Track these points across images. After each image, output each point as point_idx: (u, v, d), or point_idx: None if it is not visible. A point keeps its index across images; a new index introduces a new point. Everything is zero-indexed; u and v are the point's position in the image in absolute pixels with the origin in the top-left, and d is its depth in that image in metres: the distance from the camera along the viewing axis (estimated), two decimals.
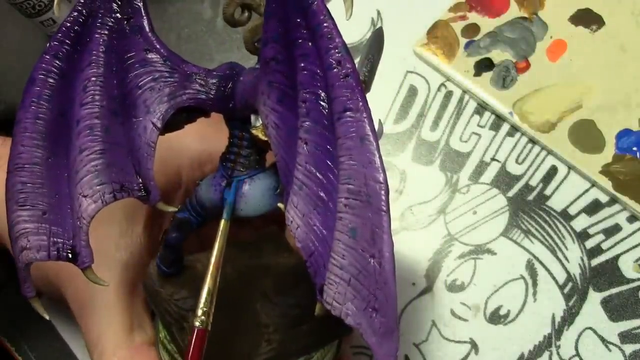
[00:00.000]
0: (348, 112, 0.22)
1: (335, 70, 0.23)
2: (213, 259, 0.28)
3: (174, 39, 0.54)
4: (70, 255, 0.28)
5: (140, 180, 0.27)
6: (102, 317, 0.35)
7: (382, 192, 0.22)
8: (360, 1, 0.54)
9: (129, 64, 0.28)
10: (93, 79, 0.27)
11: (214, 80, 0.27)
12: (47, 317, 0.30)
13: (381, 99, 0.50)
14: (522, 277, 0.44)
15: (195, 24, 0.53)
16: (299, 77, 0.24)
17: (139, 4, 0.27)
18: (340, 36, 0.23)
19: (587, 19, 0.49)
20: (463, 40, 0.50)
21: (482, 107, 0.49)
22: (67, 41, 0.28)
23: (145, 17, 0.27)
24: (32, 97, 0.28)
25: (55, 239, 0.28)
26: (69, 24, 0.28)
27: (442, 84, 0.50)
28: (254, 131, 0.27)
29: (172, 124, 0.28)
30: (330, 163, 0.24)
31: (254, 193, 0.28)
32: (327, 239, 0.24)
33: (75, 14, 0.28)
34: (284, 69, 0.24)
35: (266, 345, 0.32)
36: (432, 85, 0.50)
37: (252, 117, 0.27)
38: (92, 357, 0.35)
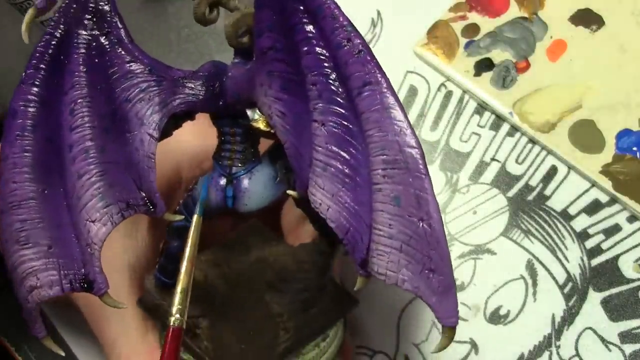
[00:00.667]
0: (368, 86, 0.23)
1: (346, 48, 0.23)
2: (187, 255, 0.28)
3: (174, 39, 0.53)
4: (84, 285, 0.27)
5: (144, 194, 0.27)
6: (116, 321, 0.35)
7: (419, 156, 0.23)
8: (360, 1, 0.54)
9: (114, 79, 0.27)
10: (79, 100, 0.27)
11: (201, 82, 0.27)
12: (63, 354, 0.29)
13: None
14: (522, 277, 0.44)
15: (195, 24, 0.53)
16: (304, 62, 0.24)
17: (114, 17, 0.27)
18: (343, 14, 0.23)
19: (587, 19, 0.49)
20: (463, 40, 0.50)
21: (482, 107, 0.49)
22: (43, 66, 0.27)
23: (122, 29, 0.27)
24: (16, 131, 0.26)
25: (65, 272, 0.27)
26: (42, 49, 0.27)
27: (442, 84, 0.50)
28: (254, 124, 0.27)
29: (163, 132, 0.28)
30: (351, 139, 0.24)
31: (256, 186, 0.28)
32: (361, 213, 0.24)
33: (48, 37, 0.27)
34: (284, 56, 0.24)
35: (284, 334, 0.32)
36: (432, 85, 0.50)
37: (249, 112, 0.28)
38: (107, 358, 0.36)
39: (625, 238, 0.44)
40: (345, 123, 0.24)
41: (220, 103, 0.27)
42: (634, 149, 0.45)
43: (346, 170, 0.24)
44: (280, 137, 0.26)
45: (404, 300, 0.44)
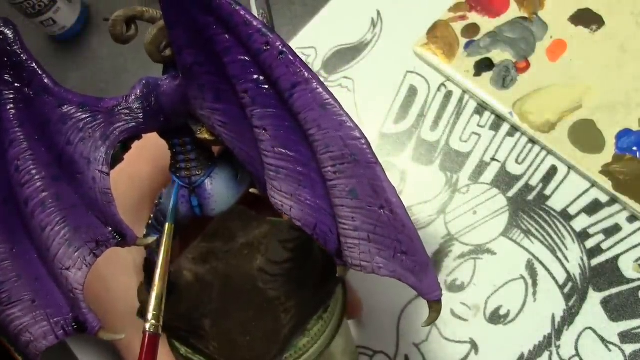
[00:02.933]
0: (297, 87, 0.23)
1: (266, 52, 0.23)
2: (160, 262, 0.28)
3: None
4: (77, 327, 0.27)
5: (111, 228, 0.27)
6: (130, 323, 0.35)
7: (365, 146, 0.22)
8: (360, 1, 0.54)
9: (49, 127, 0.27)
10: (21, 156, 0.26)
11: (136, 105, 0.27)
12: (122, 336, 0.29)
13: (381, 99, 0.50)
14: (522, 277, 0.44)
15: None
16: (229, 71, 0.24)
17: (32, 64, 0.26)
18: (256, 18, 0.23)
19: (587, 19, 0.49)
20: (463, 40, 0.50)
21: (482, 107, 0.49)
22: None
23: (43, 75, 0.26)
24: None
25: (55, 319, 0.27)
26: None
27: (442, 84, 0.50)
28: (199, 135, 0.27)
29: (112, 159, 0.27)
30: (294, 137, 0.24)
31: (218, 189, 0.28)
32: (323, 206, 0.24)
33: None
34: (209, 68, 0.24)
35: (285, 316, 0.32)
36: (432, 85, 0.50)
37: (190, 123, 0.27)
38: (119, 356, 0.36)
39: (625, 238, 0.44)
40: (286, 124, 0.24)
41: (161, 119, 0.27)
42: (634, 149, 0.45)
43: (298, 169, 0.24)
44: (228, 145, 0.26)
45: (404, 300, 0.44)
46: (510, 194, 0.46)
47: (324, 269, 0.33)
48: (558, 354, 0.42)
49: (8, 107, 0.26)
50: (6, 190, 0.27)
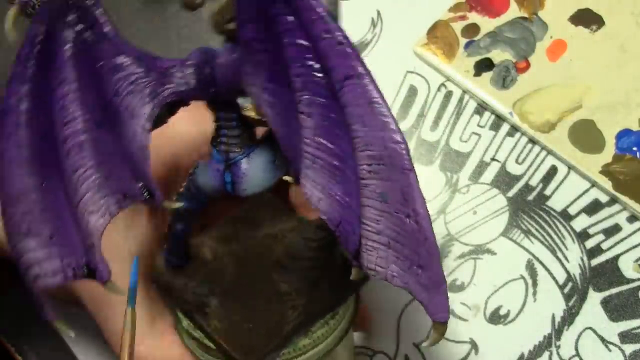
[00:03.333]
0: (349, 80, 0.22)
1: (326, 40, 0.22)
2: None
3: (174, 39, 0.53)
4: (87, 273, 0.27)
5: (141, 185, 0.27)
6: (122, 310, 0.35)
7: (404, 152, 0.22)
8: (360, 1, 0.54)
9: (102, 73, 0.27)
10: (69, 95, 0.26)
11: (190, 70, 0.27)
12: (73, 335, 0.29)
13: None
14: (522, 277, 0.44)
15: (195, 23, 0.53)
16: (286, 53, 0.23)
17: (98, 10, 0.26)
18: (322, 5, 0.22)
19: (587, 19, 0.49)
20: (463, 40, 0.50)
21: (482, 107, 0.49)
22: (32, 63, 0.27)
23: (107, 22, 0.26)
24: (9, 127, 0.27)
25: (68, 260, 0.27)
26: (29, 46, 0.27)
27: (442, 84, 0.50)
28: (246, 112, 0.27)
29: (156, 121, 0.27)
30: (338, 131, 0.23)
31: (254, 170, 0.28)
32: (351, 205, 0.24)
33: (33, 33, 0.26)
34: (267, 46, 0.24)
35: (292, 313, 0.32)
36: (432, 85, 0.50)
37: (240, 100, 0.27)
38: (114, 352, 0.35)
39: (625, 238, 0.44)
40: (332, 115, 0.23)
41: (212, 91, 0.27)
42: (634, 149, 0.45)
43: (334, 163, 0.24)
44: (271, 126, 0.26)
45: (404, 300, 0.44)
46: (510, 194, 0.46)
47: (340, 276, 0.33)
48: (558, 354, 0.42)
49: (65, 48, 0.26)
50: (47, 126, 0.27)
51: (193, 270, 0.33)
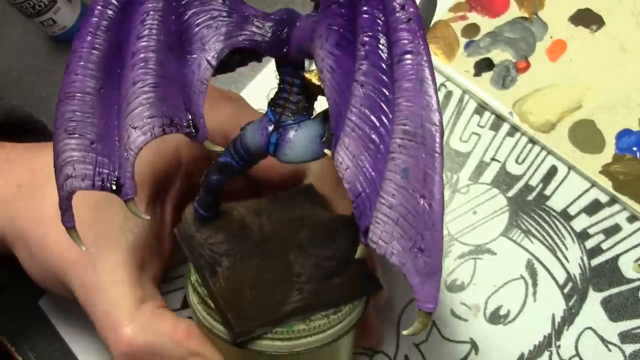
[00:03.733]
0: (408, 55, 0.23)
1: (398, 14, 0.23)
2: None
3: None
4: (114, 187, 0.28)
5: (190, 116, 0.28)
6: (111, 294, 0.35)
7: (438, 134, 0.23)
8: None
9: (188, 1, 0.28)
10: (152, 12, 0.27)
11: (270, 24, 0.28)
12: (84, 248, 0.30)
13: None
14: (522, 277, 0.44)
15: None
16: (360, 21, 0.24)
17: None
18: None
19: (587, 19, 0.49)
20: (463, 40, 0.50)
21: (482, 107, 0.49)
22: None
23: None
24: (89, 28, 0.27)
25: (100, 169, 0.28)
26: None
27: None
28: (307, 75, 0.27)
29: (224, 65, 0.28)
30: (385, 107, 0.24)
31: (300, 139, 0.28)
32: (376, 181, 0.24)
33: None
34: (345, 12, 0.25)
35: (297, 294, 0.32)
36: None
37: (306, 62, 0.28)
38: (102, 336, 0.35)
39: (625, 238, 0.44)
40: (383, 90, 0.24)
41: (284, 50, 0.28)
42: (634, 149, 0.45)
43: (372, 136, 0.24)
44: (326, 93, 0.26)
45: (404, 300, 0.44)
46: (510, 194, 0.46)
47: (354, 276, 0.34)
48: (558, 354, 0.42)
49: None
50: (123, 37, 0.28)
51: (216, 229, 0.34)
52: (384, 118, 0.24)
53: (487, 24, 0.50)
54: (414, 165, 0.23)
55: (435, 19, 0.51)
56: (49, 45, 0.59)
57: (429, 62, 0.23)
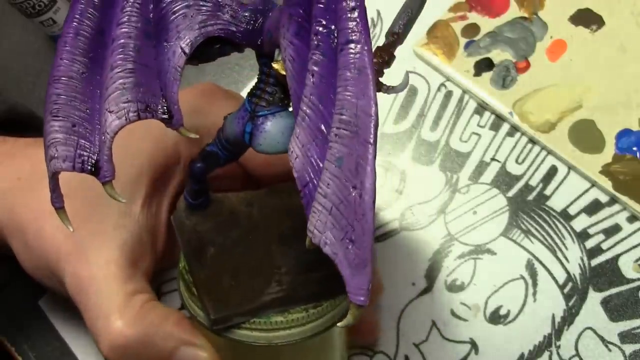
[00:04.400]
0: (350, 45, 0.23)
1: (344, 3, 0.23)
2: None
3: None
4: (92, 169, 0.29)
5: (165, 102, 0.28)
6: (102, 288, 0.35)
7: (372, 124, 0.23)
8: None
9: None
10: (131, 0, 0.28)
11: (245, 14, 0.28)
12: (72, 229, 0.30)
13: (381, 99, 0.50)
14: (522, 277, 0.44)
15: None
16: (314, 10, 0.24)
17: None
18: None
19: (587, 19, 0.49)
20: (463, 40, 0.50)
21: (482, 107, 0.49)
22: None
23: None
24: (76, 13, 0.28)
25: (81, 152, 0.29)
26: None
27: (442, 84, 0.50)
28: (275, 65, 0.28)
29: (205, 54, 0.29)
30: (332, 95, 0.24)
31: (273, 129, 0.29)
32: (322, 170, 0.24)
33: None
34: (303, 2, 0.25)
35: (276, 286, 0.32)
36: (432, 85, 0.50)
37: (276, 52, 0.28)
38: (92, 329, 0.35)
39: (625, 238, 0.44)
40: (331, 79, 0.24)
41: (258, 42, 0.28)
42: (634, 149, 0.45)
43: (320, 125, 0.24)
44: (288, 82, 0.26)
45: (404, 300, 0.44)
46: (510, 194, 0.46)
47: (336, 273, 0.33)
48: (558, 354, 0.42)
49: None
50: (106, 25, 0.28)
51: (205, 217, 0.34)
52: (330, 107, 0.24)
53: (487, 24, 0.50)
54: (347, 154, 0.23)
55: (435, 19, 0.51)
56: (49, 45, 0.59)
57: (369, 51, 0.23)
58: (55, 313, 0.46)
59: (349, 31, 0.23)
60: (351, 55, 0.23)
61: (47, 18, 0.55)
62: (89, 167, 0.29)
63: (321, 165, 0.24)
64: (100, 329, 0.34)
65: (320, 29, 0.24)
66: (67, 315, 0.46)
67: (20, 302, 0.47)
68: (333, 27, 0.24)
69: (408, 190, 0.47)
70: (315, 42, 0.24)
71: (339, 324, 0.25)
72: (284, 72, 0.27)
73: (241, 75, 0.52)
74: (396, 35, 0.25)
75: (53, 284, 0.37)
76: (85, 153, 0.29)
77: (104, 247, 0.35)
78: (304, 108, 0.25)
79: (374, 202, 0.23)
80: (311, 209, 0.24)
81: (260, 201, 0.36)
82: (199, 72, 0.51)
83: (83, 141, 0.29)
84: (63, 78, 0.28)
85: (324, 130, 0.24)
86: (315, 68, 0.24)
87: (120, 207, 0.36)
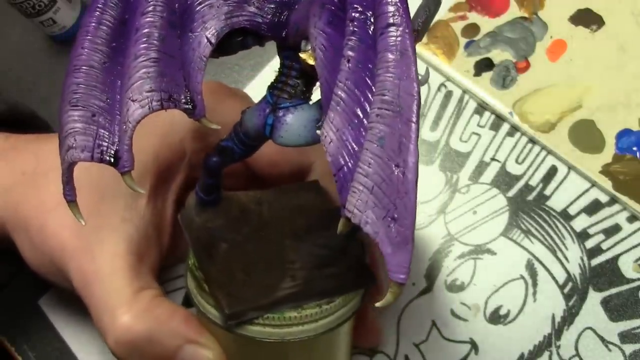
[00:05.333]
0: (391, 27, 0.23)
1: None
2: None
3: None
4: (112, 160, 0.28)
5: (188, 92, 0.28)
6: (109, 282, 0.35)
7: (414, 104, 0.23)
8: None
9: None
10: None
11: (271, 6, 0.28)
12: (83, 223, 0.30)
13: None
14: (522, 277, 0.44)
15: None
16: None
17: None
18: None
19: (587, 19, 0.49)
20: (463, 40, 0.50)
21: (482, 107, 0.49)
22: None
23: None
24: (99, 3, 0.28)
25: (100, 142, 0.28)
26: None
27: (442, 84, 0.50)
28: (302, 55, 0.28)
29: (227, 47, 0.29)
30: (369, 81, 0.24)
31: (295, 122, 0.29)
32: (357, 154, 0.24)
33: None
34: None
35: (290, 281, 0.32)
36: (432, 85, 0.50)
37: (303, 43, 0.28)
38: (99, 324, 0.35)
39: (625, 238, 0.44)
40: (368, 64, 0.24)
41: (283, 34, 0.28)
42: (634, 149, 0.45)
43: (356, 110, 0.25)
44: (318, 72, 0.26)
45: (404, 300, 0.44)
46: (510, 194, 0.46)
47: (349, 268, 0.34)
48: (558, 354, 0.42)
49: None
50: (129, 15, 0.29)
51: (216, 213, 0.34)
52: (367, 92, 0.24)
53: (487, 24, 0.50)
54: (389, 133, 0.23)
55: (435, 19, 0.51)
56: (48, 45, 0.59)
57: (411, 34, 0.23)
58: (55, 313, 0.46)
59: (390, 15, 0.23)
60: (392, 38, 0.23)
61: (47, 18, 0.55)
62: (108, 158, 0.28)
63: (356, 148, 0.24)
64: (107, 323, 0.34)
65: (357, 15, 0.24)
66: (67, 315, 0.46)
67: (20, 302, 0.47)
68: (370, 13, 0.24)
69: None
70: (351, 28, 0.24)
71: (377, 304, 0.25)
72: (312, 62, 0.27)
73: (241, 75, 0.52)
74: (415, 33, 0.25)
75: (58, 279, 0.37)
76: (104, 143, 0.28)
77: (110, 242, 0.35)
78: (339, 93, 0.25)
79: (417, 180, 0.23)
80: (349, 190, 0.24)
81: (269, 200, 0.36)
82: None
83: (102, 131, 0.28)
84: (84, 67, 0.28)
85: (360, 114, 0.24)
86: (352, 53, 0.24)
87: (126, 202, 0.36)
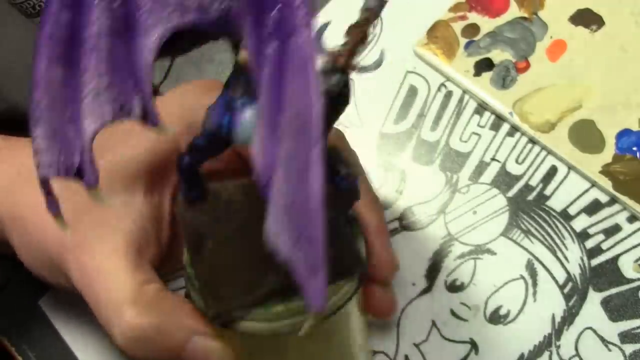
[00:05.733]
0: (292, 37, 0.23)
1: None
2: None
3: None
4: (76, 174, 0.28)
5: (139, 101, 0.28)
6: (111, 278, 0.34)
7: (314, 121, 0.22)
8: (359, 2, 0.54)
9: None
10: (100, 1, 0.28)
11: (215, 5, 0.28)
12: (69, 233, 0.30)
13: (381, 99, 0.50)
14: (522, 277, 0.44)
15: None
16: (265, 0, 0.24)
17: None
18: None
19: (587, 19, 0.49)
20: (463, 40, 0.50)
21: (482, 107, 0.49)
22: None
23: None
24: (48, 16, 0.28)
25: (63, 158, 0.28)
26: None
27: (442, 84, 0.50)
28: (241, 55, 0.27)
29: (178, 47, 0.29)
30: (281, 93, 0.24)
31: (252, 120, 0.28)
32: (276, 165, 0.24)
33: None
34: None
35: (272, 277, 0.32)
36: (432, 85, 0.50)
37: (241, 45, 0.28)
38: (104, 321, 0.35)
39: (625, 238, 0.44)
40: (285, 73, 0.24)
41: (229, 31, 0.28)
42: (634, 149, 0.45)
43: (275, 121, 0.24)
44: (250, 74, 0.26)
45: (404, 300, 0.44)
46: (510, 194, 0.46)
47: (335, 258, 0.33)
48: (558, 354, 0.42)
49: None
50: (78, 27, 0.28)
51: (201, 210, 0.34)
52: (281, 104, 0.24)
53: (487, 24, 0.50)
54: (295, 152, 0.23)
55: (435, 19, 0.51)
56: None
57: (311, 43, 0.23)
58: (55, 313, 0.46)
59: (292, 23, 0.23)
60: (294, 48, 0.23)
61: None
62: (73, 173, 0.28)
63: (276, 165, 0.24)
64: (113, 319, 0.34)
65: (271, 19, 0.24)
66: (67, 315, 0.46)
67: (20, 302, 0.47)
68: (280, 15, 0.23)
69: (408, 190, 0.47)
70: (269, 31, 0.24)
71: (299, 332, 0.24)
72: (245, 62, 0.26)
73: None
74: (371, 10, 0.24)
75: (56, 279, 0.37)
76: (68, 160, 0.28)
77: (108, 237, 0.35)
78: (261, 100, 0.24)
79: (321, 205, 0.22)
80: (272, 209, 0.24)
81: (254, 194, 0.36)
82: (198, 72, 0.51)
83: (64, 147, 0.28)
84: (42, 82, 0.28)
85: (277, 126, 0.24)
86: (268, 60, 0.24)
87: (121, 198, 0.36)
